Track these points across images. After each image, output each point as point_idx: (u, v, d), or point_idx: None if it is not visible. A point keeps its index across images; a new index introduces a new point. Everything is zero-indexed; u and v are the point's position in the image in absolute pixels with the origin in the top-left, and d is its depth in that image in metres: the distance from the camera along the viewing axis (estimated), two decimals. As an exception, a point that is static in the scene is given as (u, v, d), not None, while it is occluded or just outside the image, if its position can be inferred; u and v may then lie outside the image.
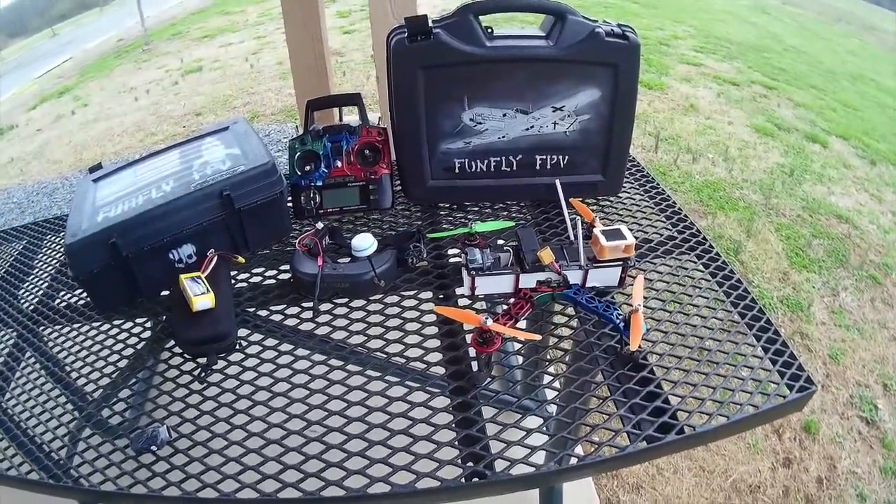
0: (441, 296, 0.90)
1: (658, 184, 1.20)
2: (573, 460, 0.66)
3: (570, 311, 0.86)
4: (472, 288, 0.84)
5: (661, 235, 1.05)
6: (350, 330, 0.85)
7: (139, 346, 0.89)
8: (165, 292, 0.96)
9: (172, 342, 0.87)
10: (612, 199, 1.13)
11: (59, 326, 0.96)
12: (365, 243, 0.87)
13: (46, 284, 1.08)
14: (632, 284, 0.82)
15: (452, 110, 0.99)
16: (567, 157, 1.06)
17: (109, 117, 4.81)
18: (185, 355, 0.84)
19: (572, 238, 0.87)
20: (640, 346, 0.73)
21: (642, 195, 1.16)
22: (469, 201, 1.11)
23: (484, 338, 0.72)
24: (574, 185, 1.06)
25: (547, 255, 0.81)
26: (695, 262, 0.98)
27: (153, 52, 6.96)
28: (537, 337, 0.76)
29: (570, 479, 0.71)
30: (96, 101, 5.46)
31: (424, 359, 0.79)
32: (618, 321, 0.76)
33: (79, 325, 0.95)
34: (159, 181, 0.98)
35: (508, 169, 1.06)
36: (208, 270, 0.90)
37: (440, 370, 0.77)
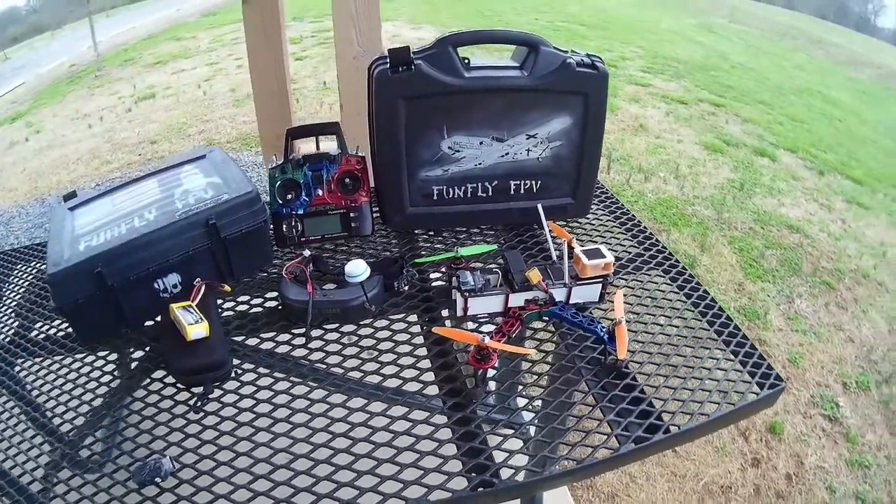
0: (427, 318, 0.93)
1: (622, 204, 1.27)
2: (572, 464, 0.70)
3: (550, 327, 0.91)
4: (465, 308, 0.88)
5: (630, 253, 1.11)
6: (343, 354, 0.87)
7: (125, 377, 0.89)
8: (149, 322, 0.95)
9: (160, 373, 0.87)
10: (580, 220, 1.19)
11: (40, 359, 0.94)
12: (358, 269, 0.89)
13: (22, 316, 1.06)
14: (611, 300, 0.87)
15: (432, 139, 1.04)
16: (540, 182, 1.11)
17: (64, 144, 4.71)
18: (178, 385, 0.84)
19: (554, 258, 0.92)
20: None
21: (608, 216, 1.23)
22: (446, 227, 1.14)
23: (481, 355, 0.76)
24: (546, 208, 1.10)
25: (535, 275, 0.86)
26: (663, 277, 1.04)
27: (106, 77, 6.85)
28: (531, 351, 0.81)
29: (571, 482, 0.76)
30: (50, 128, 5.33)
31: (420, 379, 0.82)
32: (602, 333, 0.81)
33: (60, 356, 0.94)
34: (141, 210, 0.98)
35: (484, 195, 1.11)
36: (197, 299, 0.90)
37: (434, 389, 0.81)
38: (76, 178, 3.88)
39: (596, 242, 1.11)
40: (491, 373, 0.82)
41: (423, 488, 0.66)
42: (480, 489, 0.67)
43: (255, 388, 0.83)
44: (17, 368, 0.94)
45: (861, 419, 2.12)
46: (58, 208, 1.05)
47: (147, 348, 0.92)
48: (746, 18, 11.65)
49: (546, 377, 0.84)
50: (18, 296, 1.12)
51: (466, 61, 1.01)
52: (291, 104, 2.09)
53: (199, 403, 0.81)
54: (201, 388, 0.83)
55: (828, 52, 10.34)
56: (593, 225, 1.19)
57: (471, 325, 0.92)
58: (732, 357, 0.86)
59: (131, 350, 0.93)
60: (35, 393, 0.88)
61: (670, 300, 0.98)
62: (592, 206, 1.21)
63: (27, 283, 1.16)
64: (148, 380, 0.87)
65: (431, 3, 9.58)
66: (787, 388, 2.20)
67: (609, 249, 1.09)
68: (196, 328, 0.83)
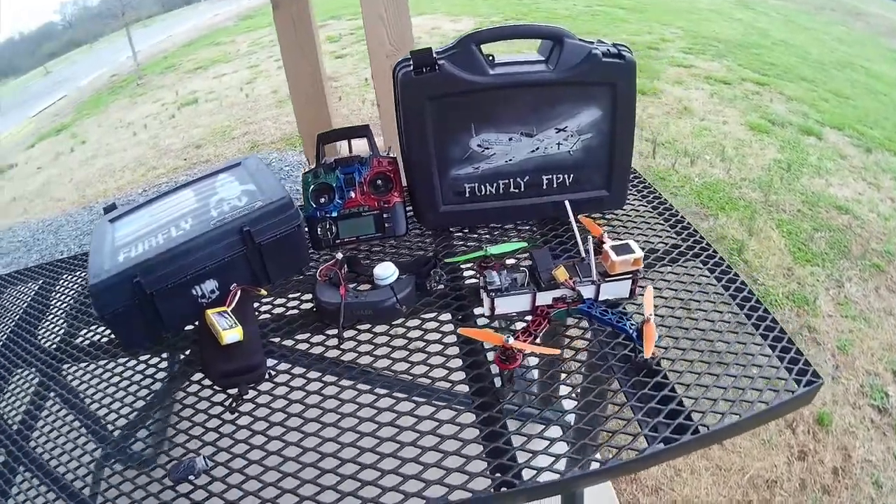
0: (460, 317, 0.93)
1: (660, 194, 1.23)
2: (595, 465, 0.70)
3: (584, 323, 0.89)
4: (492, 309, 0.87)
5: (667, 244, 1.08)
6: (375, 355, 0.88)
7: (165, 380, 0.92)
8: (189, 327, 0.99)
9: (199, 375, 0.90)
10: (617, 212, 1.17)
11: (85, 364, 0.99)
12: (386, 272, 0.90)
13: (67, 323, 1.11)
14: (642, 294, 0.85)
15: (461, 137, 1.03)
16: (572, 176, 1.09)
17: (109, 153, 4.87)
18: (215, 387, 0.87)
19: (583, 254, 0.90)
20: (653, 353, 0.77)
21: (645, 206, 1.20)
22: (479, 223, 1.14)
23: (506, 355, 0.76)
24: (581, 201, 1.10)
25: (561, 273, 0.85)
26: (700, 268, 1.01)
27: (147, 86, 7.08)
28: (556, 351, 0.80)
29: (592, 484, 0.74)
30: (94, 138, 5.54)
31: (449, 378, 0.82)
32: (631, 331, 0.80)
33: (104, 361, 0.98)
34: (177, 219, 1.01)
35: (517, 190, 1.10)
36: (233, 304, 0.93)
37: (464, 388, 0.81)
38: (123, 184, 4.02)
39: (632, 234, 1.10)
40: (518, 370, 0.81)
41: (444, 488, 0.66)
42: (503, 489, 0.67)
43: (289, 389, 0.85)
44: (64, 373, 0.99)
45: (911, 410, 2.01)
46: (100, 221, 1.10)
47: (187, 352, 0.96)
48: (783, -9, 11.12)
49: (578, 375, 0.83)
50: (66, 304, 1.18)
51: (491, 58, 1.00)
52: (331, 104, 2.12)
53: (233, 404, 0.84)
54: (236, 390, 0.85)
55: (868, 24, 9.82)
56: (630, 216, 1.16)
57: (503, 323, 0.91)
58: (769, 352, 0.83)
59: (170, 355, 0.97)
60: (81, 396, 0.93)
61: (707, 292, 0.95)
62: (629, 197, 1.18)
63: (72, 291, 1.22)
64: (187, 382, 0.91)
65: (469, -6, 9.51)
66: (836, 377, 2.12)
67: (645, 241, 1.08)
68: (230, 333, 0.86)
